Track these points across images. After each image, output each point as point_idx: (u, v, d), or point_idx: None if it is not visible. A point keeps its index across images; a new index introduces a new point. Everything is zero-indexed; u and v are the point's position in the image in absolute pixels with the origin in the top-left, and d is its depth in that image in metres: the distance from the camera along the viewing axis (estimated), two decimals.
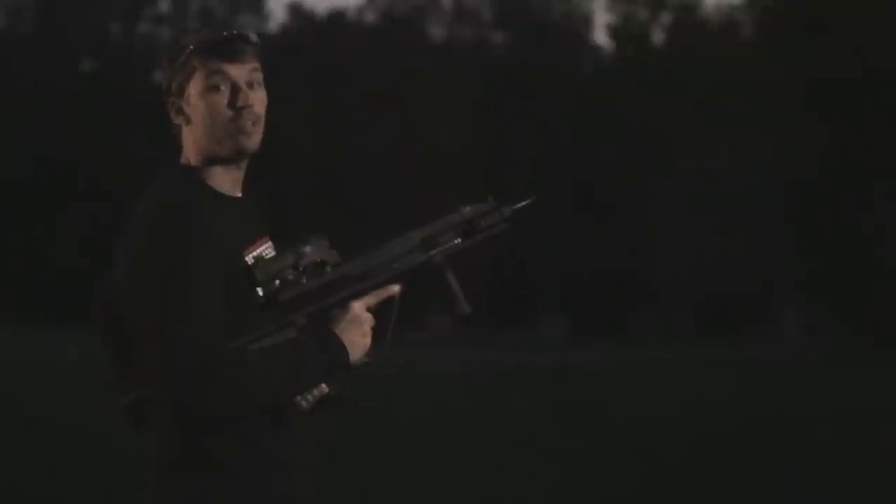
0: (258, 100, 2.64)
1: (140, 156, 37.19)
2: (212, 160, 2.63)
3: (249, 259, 2.59)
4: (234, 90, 2.61)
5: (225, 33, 2.63)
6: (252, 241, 2.63)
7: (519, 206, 2.78)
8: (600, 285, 39.58)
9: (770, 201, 36.32)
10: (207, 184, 2.63)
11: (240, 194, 2.69)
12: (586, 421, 13.38)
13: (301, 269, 2.56)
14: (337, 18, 47.56)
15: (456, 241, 2.69)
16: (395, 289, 2.65)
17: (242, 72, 2.62)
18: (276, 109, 2.72)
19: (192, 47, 2.61)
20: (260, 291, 2.52)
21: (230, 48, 2.61)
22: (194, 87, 2.61)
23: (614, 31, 42.70)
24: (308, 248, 2.58)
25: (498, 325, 35.22)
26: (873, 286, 33.46)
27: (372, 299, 2.63)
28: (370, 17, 47.57)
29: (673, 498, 8.87)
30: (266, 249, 2.67)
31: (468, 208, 2.72)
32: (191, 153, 2.65)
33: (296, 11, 47.90)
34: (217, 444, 2.53)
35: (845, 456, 10.38)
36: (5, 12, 46.36)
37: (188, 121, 2.63)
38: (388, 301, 2.65)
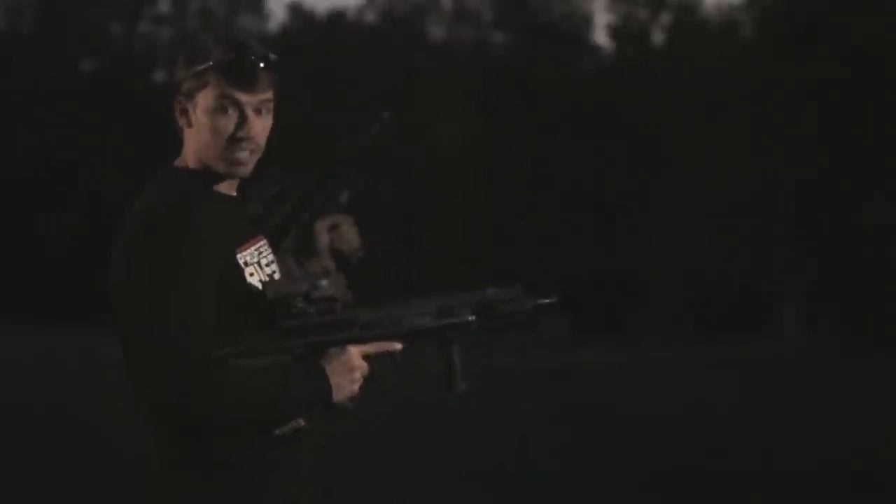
0: (262, 128, 2.64)
1: (140, 156, 37.17)
2: (207, 167, 2.64)
3: (241, 258, 2.60)
4: (242, 117, 2.60)
5: (246, 57, 2.60)
6: (245, 241, 2.64)
7: (543, 302, 2.81)
8: (600, 285, 39.54)
9: (770, 201, 36.30)
10: (206, 183, 2.64)
11: (235, 193, 2.70)
12: (586, 421, 13.38)
13: (312, 299, 2.57)
14: (337, 18, 47.54)
15: (470, 319, 2.72)
16: (397, 346, 2.67)
17: (254, 100, 2.62)
18: (276, 109, 2.72)
19: (211, 63, 2.59)
20: (266, 310, 2.55)
21: (249, 78, 2.60)
22: (203, 100, 2.61)
23: (614, 31, 42.66)
24: (325, 282, 2.61)
25: (498, 326, 35.13)
26: (873, 286, 33.44)
27: (371, 349, 2.65)
28: (370, 17, 47.55)
29: (673, 498, 8.86)
30: (261, 247, 2.67)
31: (492, 290, 2.76)
32: (189, 155, 2.66)
33: (296, 11, 47.90)
34: (217, 445, 2.53)
35: (845, 456, 10.38)
36: (5, 12, 46.35)
37: (190, 124, 2.64)
38: (387, 356, 2.67)
